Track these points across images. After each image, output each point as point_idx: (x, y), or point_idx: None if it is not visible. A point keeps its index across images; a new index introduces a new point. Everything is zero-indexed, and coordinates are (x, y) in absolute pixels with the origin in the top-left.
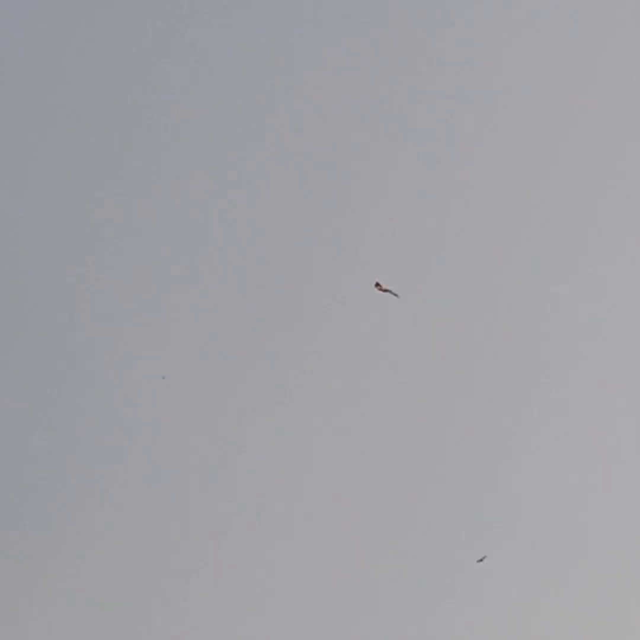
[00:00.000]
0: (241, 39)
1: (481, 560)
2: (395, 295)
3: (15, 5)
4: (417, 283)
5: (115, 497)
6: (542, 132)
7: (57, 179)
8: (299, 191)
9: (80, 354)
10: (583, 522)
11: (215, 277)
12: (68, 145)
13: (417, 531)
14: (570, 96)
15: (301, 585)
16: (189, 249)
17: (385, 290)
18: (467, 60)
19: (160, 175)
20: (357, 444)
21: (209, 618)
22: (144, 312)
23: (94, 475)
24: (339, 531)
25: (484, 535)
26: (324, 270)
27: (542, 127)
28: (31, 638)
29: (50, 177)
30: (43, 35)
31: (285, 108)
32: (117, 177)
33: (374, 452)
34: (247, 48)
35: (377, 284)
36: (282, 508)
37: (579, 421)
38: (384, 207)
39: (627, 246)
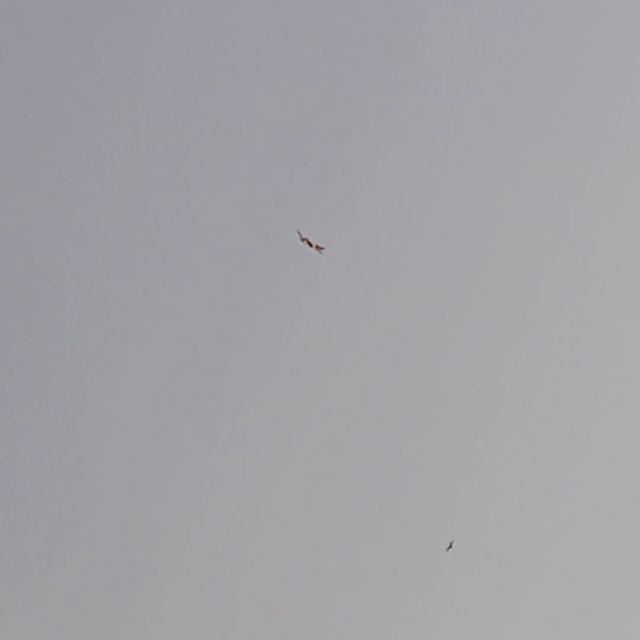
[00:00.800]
0: (237, 33)
1: (450, 547)
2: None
3: (15, 4)
4: (412, 274)
5: (111, 496)
6: (535, 129)
7: (52, 176)
8: (291, 186)
9: (75, 350)
10: (560, 515)
11: (207, 273)
12: (64, 142)
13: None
14: (562, 94)
15: (286, 578)
16: (182, 247)
17: (313, 245)
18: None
19: (144, 173)
20: (339, 438)
21: (203, 617)
22: (139, 312)
23: (90, 475)
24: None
25: (461, 526)
26: (313, 264)
27: (535, 124)
28: (31, 638)
29: (46, 174)
30: (41, 32)
31: (278, 105)
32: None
33: (356, 446)
34: (244, 44)
35: (309, 242)
36: (271, 506)
37: (557, 415)
38: (374, 202)
39: (617, 243)
